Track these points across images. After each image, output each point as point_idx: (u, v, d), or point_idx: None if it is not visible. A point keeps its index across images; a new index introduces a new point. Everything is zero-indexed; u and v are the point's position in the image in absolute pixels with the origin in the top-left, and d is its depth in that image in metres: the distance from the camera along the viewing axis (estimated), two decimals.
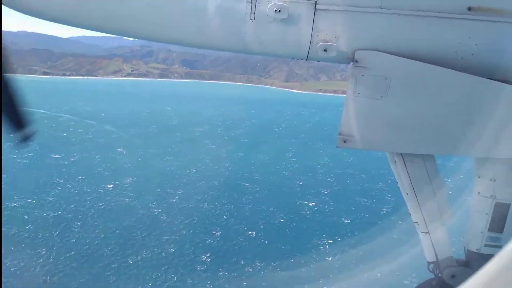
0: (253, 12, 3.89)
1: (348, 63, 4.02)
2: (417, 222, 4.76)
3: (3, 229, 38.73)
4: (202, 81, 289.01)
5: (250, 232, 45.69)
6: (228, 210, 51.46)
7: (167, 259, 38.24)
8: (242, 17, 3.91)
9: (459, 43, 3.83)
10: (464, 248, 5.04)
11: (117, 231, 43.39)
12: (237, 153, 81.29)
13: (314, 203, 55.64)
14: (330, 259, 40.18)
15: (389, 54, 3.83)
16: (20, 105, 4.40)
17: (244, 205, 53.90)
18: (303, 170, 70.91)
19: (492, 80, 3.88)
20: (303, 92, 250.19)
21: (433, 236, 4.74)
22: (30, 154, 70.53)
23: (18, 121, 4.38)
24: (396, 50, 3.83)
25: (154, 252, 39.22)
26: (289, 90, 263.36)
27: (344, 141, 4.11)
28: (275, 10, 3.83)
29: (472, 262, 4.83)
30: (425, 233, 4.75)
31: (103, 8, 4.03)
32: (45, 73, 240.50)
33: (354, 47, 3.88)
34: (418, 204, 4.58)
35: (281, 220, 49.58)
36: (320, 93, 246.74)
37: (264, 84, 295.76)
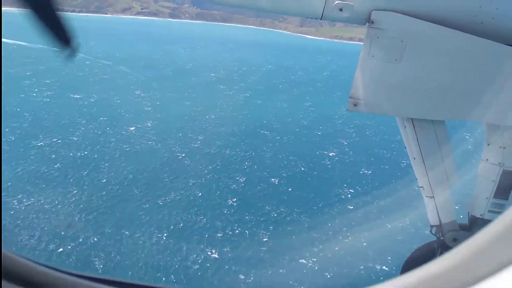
0: None
1: (364, 24, 3.88)
2: (422, 187, 4.80)
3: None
4: (213, 22, 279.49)
5: (273, 179, 46.52)
6: (250, 157, 52.04)
7: (195, 202, 39.43)
8: None
9: (480, 6, 3.67)
10: (468, 213, 5.08)
11: (144, 173, 44.40)
12: (255, 100, 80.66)
13: (334, 153, 55.99)
14: (352, 207, 41.14)
15: (406, 16, 3.68)
16: (63, 19, 4.25)
17: (265, 152, 54.38)
18: (322, 120, 70.60)
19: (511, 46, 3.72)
20: (318, 38, 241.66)
21: (437, 200, 4.78)
22: (50, 93, 70.60)
23: (64, 35, 4.24)
24: (414, 12, 3.68)
25: (182, 195, 40.38)
26: (304, 35, 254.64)
27: (355, 105, 4.03)
28: None
29: (475, 227, 4.86)
30: (430, 197, 4.81)
31: None
32: None
33: (370, 7, 3.75)
34: (425, 169, 4.59)
35: (302, 169, 50.21)
36: (335, 40, 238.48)
37: (278, 29, 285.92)
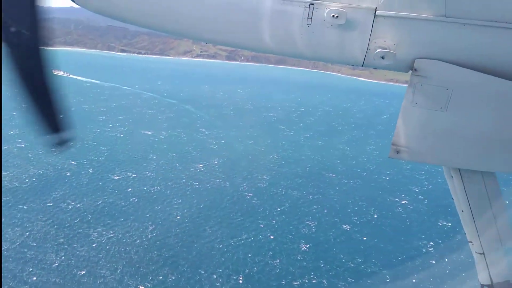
0: (309, 17, 3.82)
1: (407, 71, 3.85)
2: (471, 242, 4.50)
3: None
4: (268, 65, 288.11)
5: (344, 226, 44.65)
6: (317, 201, 50.68)
7: (267, 245, 38.52)
8: (299, 21, 3.85)
9: None
10: None
11: (216, 211, 44.51)
12: (316, 141, 79.97)
13: (406, 201, 53.10)
14: (434, 262, 38.05)
15: (451, 64, 3.64)
16: (57, 105, 4.03)
17: (332, 196, 52.80)
18: (388, 164, 67.86)
19: None
20: (373, 81, 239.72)
21: (488, 258, 4.50)
22: (123, 129, 74.74)
23: (54, 122, 3.97)
24: (459, 60, 3.65)
25: (254, 237, 39.68)
26: (357, 78, 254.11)
27: (397, 152, 3.96)
28: (333, 16, 3.74)
29: None
30: (480, 254, 4.50)
31: (169, 13, 4.12)
32: (122, 51, 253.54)
33: (414, 56, 3.74)
34: (474, 223, 4.35)
35: (375, 216, 47.88)
36: (391, 83, 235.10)
37: (331, 71, 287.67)
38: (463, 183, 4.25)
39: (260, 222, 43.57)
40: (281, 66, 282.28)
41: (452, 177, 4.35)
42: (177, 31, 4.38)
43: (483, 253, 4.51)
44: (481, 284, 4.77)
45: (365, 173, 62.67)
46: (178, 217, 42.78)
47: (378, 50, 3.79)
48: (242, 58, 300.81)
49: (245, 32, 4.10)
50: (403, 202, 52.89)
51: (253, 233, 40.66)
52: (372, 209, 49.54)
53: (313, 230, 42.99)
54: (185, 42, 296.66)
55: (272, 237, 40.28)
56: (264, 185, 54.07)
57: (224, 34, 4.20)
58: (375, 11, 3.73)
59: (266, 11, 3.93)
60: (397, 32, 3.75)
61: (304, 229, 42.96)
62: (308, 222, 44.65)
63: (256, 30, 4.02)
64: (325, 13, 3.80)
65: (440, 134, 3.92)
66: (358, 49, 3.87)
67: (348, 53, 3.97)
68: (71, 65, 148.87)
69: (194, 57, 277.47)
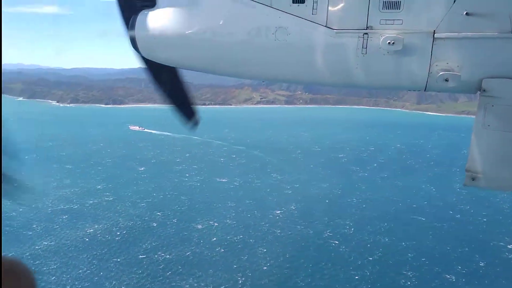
0: (364, 46, 3.78)
1: (474, 92, 3.68)
2: None
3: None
4: (327, 106, 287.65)
5: (448, 276, 40.15)
6: (412, 248, 46.59)
7: None
8: (354, 52, 3.82)
9: None
10: None
11: (303, 261, 42.54)
12: (394, 181, 75.55)
13: None
14: None
15: None
16: (189, 96, 5.47)
17: (427, 241, 48.36)
18: (482, 203, 61.62)
19: None
20: (441, 114, 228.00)
21: None
22: (199, 177, 76.74)
23: (189, 110, 5.55)
24: None
25: None
26: (424, 112, 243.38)
27: (473, 179, 3.75)
28: (389, 43, 3.69)
29: None
30: None
31: (229, 55, 4.36)
32: None
33: (480, 76, 3.58)
34: None
35: (481, 264, 42.66)
36: (462, 115, 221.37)
37: (394, 107, 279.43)
38: None
39: (353, 273, 40.69)
40: (341, 106, 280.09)
41: None
42: (234, 73, 4.62)
43: None
44: None
45: (458, 215, 57.21)
46: (265, 267, 41.40)
47: (440, 73, 3.68)
48: (301, 101, 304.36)
49: (301, 68, 4.15)
50: (510, 246, 46.87)
51: (347, 286, 37.84)
52: (476, 256, 44.34)
53: (414, 281, 39.08)
54: (245, 90, 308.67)
55: None
56: (349, 231, 51.24)
57: (281, 72, 4.35)
58: (434, 33, 3.63)
59: (319, 45, 3.95)
60: (460, 53, 3.63)
61: (403, 280, 39.24)
62: (405, 273, 40.86)
63: (311, 65, 4.03)
64: (381, 41, 3.73)
65: None
66: (419, 73, 3.77)
67: (409, 79, 3.88)
68: (144, 120, 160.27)
69: (255, 104, 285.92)
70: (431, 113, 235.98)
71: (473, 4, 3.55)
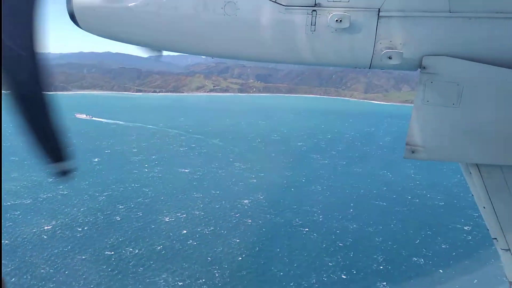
0: (313, 23, 3.82)
1: (415, 69, 3.84)
2: (495, 239, 4.46)
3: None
4: (280, 94, 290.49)
5: (415, 259, 42.15)
6: (379, 232, 48.39)
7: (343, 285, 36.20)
8: (302, 29, 3.84)
9: None
10: None
11: (279, 250, 42.44)
12: (354, 168, 78.25)
13: (469, 227, 50.44)
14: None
15: (461, 59, 3.63)
16: (59, 134, 4.04)
17: (391, 225, 50.49)
18: (439, 189, 65.41)
19: None
20: (388, 103, 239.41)
21: None
22: (160, 168, 73.89)
23: (56, 152, 4.04)
24: (467, 55, 3.64)
25: (323, 276, 37.43)
26: (371, 101, 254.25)
27: (412, 152, 3.92)
28: (336, 20, 3.73)
29: None
30: (506, 250, 4.46)
31: (174, 29, 4.11)
32: (138, 91, 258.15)
33: (421, 53, 3.72)
34: (497, 218, 4.31)
35: (443, 246, 45.33)
36: (406, 104, 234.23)
37: (343, 96, 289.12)
38: (482, 178, 4.18)
39: (327, 259, 41.36)
40: (293, 95, 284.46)
41: (470, 173, 4.27)
42: (180, 48, 4.35)
43: (509, 250, 4.45)
44: (510, 282, 4.75)
45: (417, 200, 60.32)
46: (240, 258, 40.80)
47: (384, 51, 3.75)
48: (254, 89, 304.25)
49: (250, 44, 4.07)
50: (466, 228, 50.28)
51: (323, 273, 38.39)
52: (439, 238, 47.02)
53: (385, 265, 40.57)
54: (197, 78, 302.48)
55: (344, 276, 37.93)
56: (318, 219, 52.03)
57: (229, 48, 4.20)
58: (379, 12, 3.69)
59: (269, 21, 3.89)
60: (402, 31, 3.73)
61: (374, 265, 40.58)
62: (376, 257, 42.30)
63: (261, 41, 3.99)
64: (329, 18, 3.76)
65: (455, 130, 3.88)
66: (364, 51, 3.82)
67: (355, 56, 3.93)
68: (91, 108, 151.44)
69: (207, 92, 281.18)
70: (378, 102, 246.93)
71: None
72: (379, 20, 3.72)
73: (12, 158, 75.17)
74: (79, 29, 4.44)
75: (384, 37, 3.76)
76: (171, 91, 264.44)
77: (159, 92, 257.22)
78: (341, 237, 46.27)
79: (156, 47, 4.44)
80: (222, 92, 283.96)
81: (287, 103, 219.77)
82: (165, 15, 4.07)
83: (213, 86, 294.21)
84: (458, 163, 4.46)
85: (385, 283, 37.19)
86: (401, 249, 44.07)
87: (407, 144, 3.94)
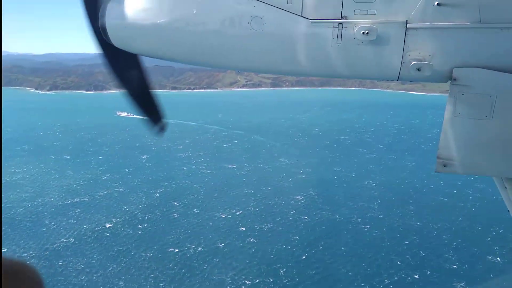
0: (339, 36, 3.85)
1: (445, 81, 3.80)
2: None
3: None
4: (313, 88, 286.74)
5: (489, 257, 39.57)
6: (445, 229, 45.94)
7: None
8: (328, 42, 3.88)
9: None
10: None
11: (344, 248, 41.07)
12: (404, 162, 75.22)
13: None
14: None
15: (493, 71, 3.59)
16: (155, 99, 4.93)
17: (457, 222, 47.83)
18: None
19: None
20: (428, 94, 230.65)
21: None
22: (208, 164, 74.00)
23: (155, 113, 4.92)
24: (499, 66, 3.59)
25: (393, 275, 35.69)
26: (410, 92, 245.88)
27: (444, 166, 3.89)
28: (363, 33, 3.74)
29: None
30: None
31: (202, 45, 4.22)
32: (173, 88, 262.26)
33: (451, 65, 3.69)
34: None
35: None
36: (447, 94, 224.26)
37: (379, 88, 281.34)
38: None
39: (394, 258, 39.55)
40: (327, 88, 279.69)
41: (506, 188, 4.19)
42: (209, 63, 4.47)
43: None
44: None
45: (478, 194, 57.01)
46: (304, 257, 39.73)
47: (413, 62, 3.72)
48: (287, 83, 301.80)
49: (277, 58, 4.12)
50: None
51: (395, 273, 36.67)
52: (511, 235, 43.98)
53: (460, 265, 38.31)
54: (230, 74, 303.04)
55: (417, 277, 36.06)
56: (377, 215, 50.08)
57: (256, 62, 4.24)
58: (406, 24, 3.68)
59: (295, 35, 3.93)
60: (432, 43, 3.70)
61: (446, 265, 38.43)
62: (447, 256, 40.07)
63: (287, 55, 4.04)
64: (355, 31, 3.75)
65: (488, 144, 3.81)
66: (392, 63, 3.81)
67: (382, 68, 3.89)
68: (130, 106, 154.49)
69: (240, 87, 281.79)
70: (417, 93, 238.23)
71: None
72: (407, 32, 3.69)
73: (65, 156, 77.71)
74: None
75: (413, 48, 3.72)
76: (204, 88, 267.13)
77: (193, 89, 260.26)
78: (406, 235, 44.22)
79: (185, 62, 4.59)
80: (255, 87, 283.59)
81: (322, 96, 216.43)
82: (193, 31, 4.17)
83: (246, 81, 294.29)
84: (492, 177, 4.31)
85: (463, 284, 35.02)
86: (473, 247, 41.58)
87: (438, 157, 3.90)
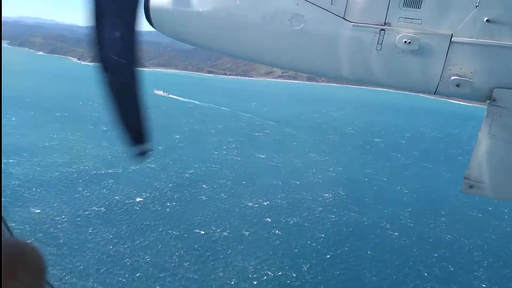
0: (379, 42, 3.74)
1: (483, 101, 3.70)
2: None
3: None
4: (350, 85, 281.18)
5: None
6: (479, 248, 44.05)
7: None
8: (368, 47, 3.78)
9: None
10: None
11: (368, 251, 40.24)
12: (440, 172, 72.55)
13: None
14: None
15: None
16: (142, 118, 4.35)
17: (491, 240, 45.76)
18: None
19: None
20: (469, 104, 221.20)
21: None
22: (237, 151, 74.19)
23: (138, 134, 4.31)
24: None
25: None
26: (450, 100, 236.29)
27: (471, 187, 3.87)
28: (405, 41, 3.64)
29: None
30: None
31: (241, 37, 4.19)
32: (209, 72, 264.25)
33: (492, 85, 3.57)
34: None
35: None
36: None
37: (418, 92, 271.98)
38: None
39: (421, 268, 38.38)
40: (363, 87, 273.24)
41: None
42: (244, 55, 4.49)
43: None
44: None
45: None
46: (328, 256, 39.21)
47: (453, 77, 3.61)
48: (323, 78, 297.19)
49: (313, 58, 4.04)
50: None
51: (421, 284, 35.59)
52: None
53: (489, 285, 36.71)
54: None
55: None
56: (407, 223, 48.66)
57: (293, 60, 4.19)
58: (451, 37, 3.54)
59: (334, 37, 3.83)
60: (475, 60, 3.55)
61: (475, 282, 36.89)
62: (476, 273, 38.48)
63: (323, 56, 3.96)
64: (397, 39, 3.66)
65: None
66: (431, 76, 3.70)
67: (420, 80, 3.81)
68: (168, 85, 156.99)
69: (276, 78, 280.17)
70: (458, 102, 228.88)
71: (495, 11, 3.42)
72: (450, 46, 3.57)
73: (102, 127, 79.99)
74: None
75: (455, 63, 3.59)
76: (240, 75, 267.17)
77: (229, 75, 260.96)
78: (436, 247, 42.78)
79: (221, 53, 4.59)
80: (291, 79, 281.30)
81: (357, 95, 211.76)
82: (234, 23, 4.11)
83: (282, 73, 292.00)
84: None
85: None
86: (505, 268, 39.72)
87: (465, 178, 3.85)
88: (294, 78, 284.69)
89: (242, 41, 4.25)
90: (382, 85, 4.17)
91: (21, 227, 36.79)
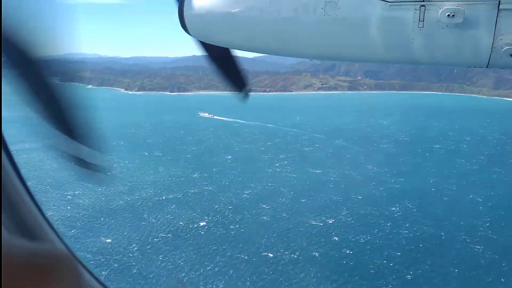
0: (421, 19, 3.52)
1: None
2: None
3: None
4: (393, 91, 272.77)
5: None
6: None
7: None
8: (409, 26, 3.58)
9: None
10: None
11: (451, 267, 36.94)
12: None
13: None
14: None
15: None
16: (240, 67, 5.05)
17: None
18: None
19: None
20: None
21: None
22: (291, 167, 72.76)
23: (240, 81, 5.22)
24: None
25: None
26: (505, 98, 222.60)
27: None
28: (448, 15, 3.43)
29: None
30: None
31: (277, 33, 4.15)
32: (250, 90, 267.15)
33: None
34: None
35: None
36: None
37: (469, 93, 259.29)
38: None
39: None
40: (408, 92, 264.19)
41: None
42: (283, 51, 4.52)
43: None
44: None
45: None
46: (409, 276, 36.36)
47: (506, 47, 3.39)
48: (364, 86, 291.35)
49: (353, 44, 3.88)
50: None
51: None
52: None
53: None
54: (304, 76, 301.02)
55: None
56: (489, 235, 44.54)
57: (331, 49, 4.03)
58: (499, 4, 3.32)
59: (372, 20, 3.67)
60: None
61: None
62: None
63: (363, 41, 3.77)
64: (439, 13, 3.45)
65: None
66: (481, 48, 3.46)
67: (469, 54, 3.61)
68: (211, 107, 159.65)
69: (316, 90, 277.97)
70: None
71: None
72: (499, 14, 3.35)
73: (157, 153, 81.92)
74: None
75: (506, 32, 3.39)
76: (280, 90, 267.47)
77: (268, 91, 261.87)
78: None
79: (259, 52, 4.63)
80: (331, 90, 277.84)
81: (403, 100, 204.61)
82: (268, 20, 4.10)
83: (322, 84, 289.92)
84: None
85: None
86: None
87: None
88: (335, 88, 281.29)
89: (278, 37, 4.20)
90: (427, 64, 3.97)
91: (97, 258, 37.45)
